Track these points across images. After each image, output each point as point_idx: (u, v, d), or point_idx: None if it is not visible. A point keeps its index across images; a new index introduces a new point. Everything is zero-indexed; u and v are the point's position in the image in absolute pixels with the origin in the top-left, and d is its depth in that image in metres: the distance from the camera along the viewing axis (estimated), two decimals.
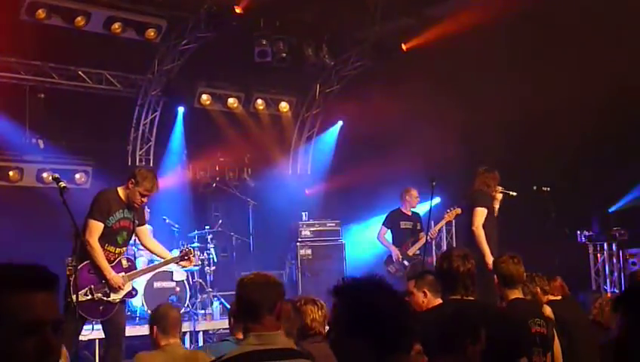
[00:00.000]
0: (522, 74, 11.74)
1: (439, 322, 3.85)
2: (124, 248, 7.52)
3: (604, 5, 10.85)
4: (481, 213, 9.31)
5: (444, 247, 13.84)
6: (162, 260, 8.05)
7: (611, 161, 12.37)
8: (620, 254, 12.76)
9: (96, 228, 7.10)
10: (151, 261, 9.98)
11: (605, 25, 11.21)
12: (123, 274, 7.32)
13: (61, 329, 1.98)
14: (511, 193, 9.65)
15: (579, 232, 12.82)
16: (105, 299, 7.16)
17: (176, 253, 8.50)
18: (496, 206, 9.60)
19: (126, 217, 7.36)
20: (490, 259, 8.33)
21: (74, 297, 6.47)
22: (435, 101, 12.84)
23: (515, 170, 11.71)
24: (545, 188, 9.62)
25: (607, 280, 12.80)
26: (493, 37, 11.82)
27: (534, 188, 9.68)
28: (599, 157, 12.27)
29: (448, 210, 11.24)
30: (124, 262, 7.46)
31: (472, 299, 4.94)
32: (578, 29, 11.47)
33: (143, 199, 7.36)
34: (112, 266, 7.21)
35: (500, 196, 9.61)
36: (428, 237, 11.02)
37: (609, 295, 12.07)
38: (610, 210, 13.14)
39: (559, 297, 7.21)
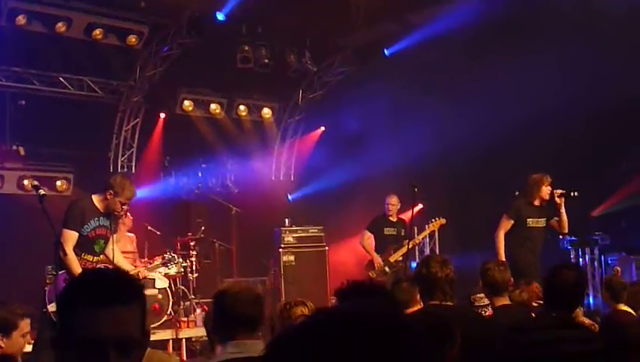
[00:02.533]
0: (503, 78, 11.78)
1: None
2: (103, 256, 7.46)
3: (582, 10, 10.94)
4: (502, 221, 9.48)
5: (428, 253, 13.82)
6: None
7: (593, 165, 12.42)
8: (602, 259, 12.81)
9: (71, 237, 7.05)
10: None
11: (585, 28, 11.29)
12: None
13: (134, 349, 1.87)
14: (572, 193, 9.39)
15: (561, 237, 12.86)
16: None
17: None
18: (562, 210, 9.44)
19: (102, 225, 7.32)
20: None
21: (49, 307, 6.42)
22: (417, 105, 12.88)
23: (494, 175, 11.72)
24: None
25: (590, 285, 12.84)
26: (474, 41, 11.87)
27: (516, 193, 9.63)
28: (581, 162, 12.32)
29: (433, 220, 11.17)
30: None
31: (450, 304, 4.94)
32: (560, 32, 11.54)
33: (123, 207, 7.40)
34: None
35: (560, 199, 9.37)
36: (410, 245, 10.85)
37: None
38: (592, 215, 13.20)
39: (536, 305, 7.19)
